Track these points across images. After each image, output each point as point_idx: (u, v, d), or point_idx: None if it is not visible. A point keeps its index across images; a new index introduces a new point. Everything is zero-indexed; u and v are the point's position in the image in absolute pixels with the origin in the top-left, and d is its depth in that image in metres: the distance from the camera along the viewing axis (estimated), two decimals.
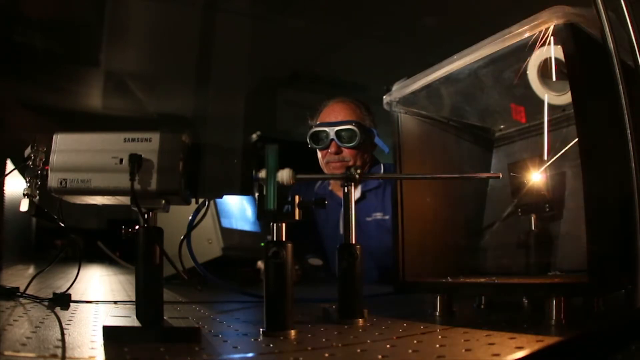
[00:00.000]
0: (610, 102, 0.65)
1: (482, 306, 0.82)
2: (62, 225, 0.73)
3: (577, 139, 0.65)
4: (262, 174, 0.62)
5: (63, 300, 0.80)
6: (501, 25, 0.74)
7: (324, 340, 0.56)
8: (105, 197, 0.62)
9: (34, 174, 0.65)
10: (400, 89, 0.91)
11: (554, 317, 0.63)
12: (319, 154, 1.67)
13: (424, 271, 0.87)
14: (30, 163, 0.65)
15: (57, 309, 0.76)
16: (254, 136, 0.65)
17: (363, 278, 0.72)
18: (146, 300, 0.60)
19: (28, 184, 0.66)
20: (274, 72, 3.48)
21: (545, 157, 0.84)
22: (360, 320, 0.69)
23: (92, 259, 2.79)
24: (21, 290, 0.90)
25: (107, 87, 3.49)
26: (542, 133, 0.91)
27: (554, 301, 0.63)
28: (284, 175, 0.64)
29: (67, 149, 0.62)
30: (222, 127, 3.36)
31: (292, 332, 0.59)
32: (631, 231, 0.62)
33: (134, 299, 0.60)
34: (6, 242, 1.94)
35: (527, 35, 0.70)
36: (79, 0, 2.65)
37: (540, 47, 0.71)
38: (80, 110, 3.73)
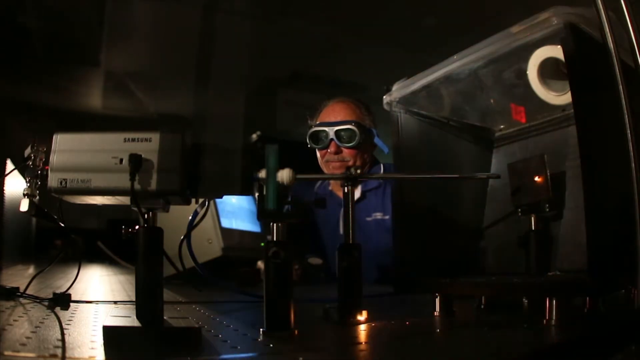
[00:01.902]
0: (610, 102, 0.65)
1: (482, 306, 0.82)
2: (62, 225, 0.73)
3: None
4: (262, 174, 0.62)
5: (63, 300, 0.79)
6: (501, 25, 0.74)
7: (324, 340, 0.56)
8: (105, 197, 0.62)
9: (34, 174, 0.65)
10: (400, 89, 0.90)
11: (553, 317, 0.63)
12: (319, 154, 1.67)
13: (424, 271, 0.87)
14: (30, 163, 0.65)
15: (57, 309, 0.76)
16: (254, 136, 0.64)
17: (363, 278, 0.72)
18: (146, 300, 0.60)
19: (28, 184, 0.66)
20: (274, 72, 3.48)
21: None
22: (361, 320, 0.69)
23: (92, 259, 2.79)
24: (21, 290, 0.89)
25: (107, 87, 3.49)
26: (542, 133, 0.91)
27: (554, 301, 0.63)
28: (284, 175, 0.64)
29: (67, 149, 0.62)
30: (222, 127, 3.36)
31: (292, 332, 0.59)
32: (631, 231, 0.62)
33: (134, 299, 0.60)
34: (6, 242, 1.94)
35: (527, 35, 0.70)
36: (80, 0, 2.65)
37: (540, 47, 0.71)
38: (80, 110, 3.73)
